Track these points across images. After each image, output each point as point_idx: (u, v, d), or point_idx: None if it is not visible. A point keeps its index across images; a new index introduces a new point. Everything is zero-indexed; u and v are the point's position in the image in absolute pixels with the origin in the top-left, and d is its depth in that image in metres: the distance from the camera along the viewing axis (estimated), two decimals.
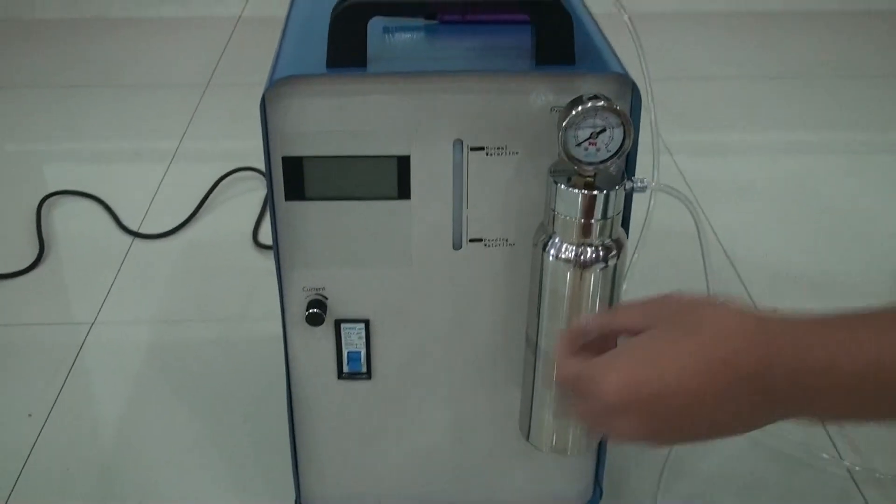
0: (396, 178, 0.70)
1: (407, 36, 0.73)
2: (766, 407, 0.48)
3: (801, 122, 1.69)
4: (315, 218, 0.71)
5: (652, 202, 0.73)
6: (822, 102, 1.78)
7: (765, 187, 1.50)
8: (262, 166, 1.49)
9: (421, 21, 0.75)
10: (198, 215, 1.41)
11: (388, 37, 0.72)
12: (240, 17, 2.24)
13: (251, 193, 1.47)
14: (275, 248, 0.73)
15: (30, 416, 1.03)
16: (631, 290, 0.72)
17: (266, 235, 1.35)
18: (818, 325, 0.48)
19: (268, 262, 1.30)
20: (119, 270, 1.29)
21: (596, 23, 0.77)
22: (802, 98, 1.78)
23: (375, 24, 0.66)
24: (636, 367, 0.49)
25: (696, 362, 0.47)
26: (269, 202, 0.71)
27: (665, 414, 0.48)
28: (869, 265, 1.30)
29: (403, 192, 0.71)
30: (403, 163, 0.69)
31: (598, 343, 0.59)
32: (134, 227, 1.37)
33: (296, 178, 0.70)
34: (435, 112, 0.68)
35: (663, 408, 0.48)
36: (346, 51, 0.65)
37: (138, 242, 1.35)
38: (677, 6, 2.37)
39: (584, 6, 0.80)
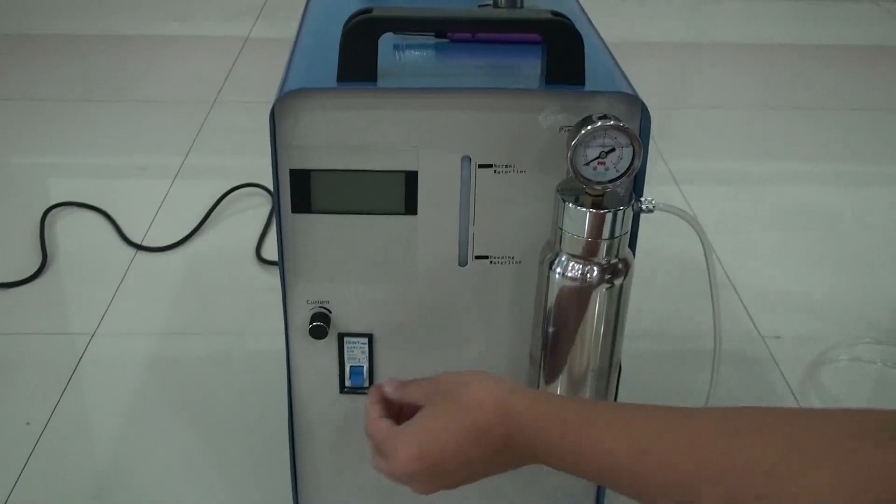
0: (404, 193, 0.70)
1: (417, 53, 0.73)
2: (516, 461, 0.61)
3: (808, 154, 1.70)
4: (321, 231, 0.71)
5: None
6: (829, 134, 1.79)
7: (770, 216, 1.51)
8: (267, 183, 1.50)
9: (431, 39, 0.75)
10: (201, 230, 1.41)
11: (398, 54, 0.73)
12: (248, 37, 2.25)
13: (255, 209, 1.47)
14: (280, 260, 0.73)
15: (28, 424, 1.03)
16: (631, 312, 0.72)
17: (269, 251, 1.35)
18: (561, 407, 0.60)
19: (270, 277, 1.30)
20: (121, 282, 1.28)
21: (605, 44, 0.77)
22: (809, 129, 1.79)
23: (386, 42, 0.67)
24: (420, 443, 0.62)
25: (463, 435, 0.60)
26: (275, 214, 0.71)
27: (443, 474, 0.62)
28: (871, 295, 1.30)
29: (410, 207, 0.71)
30: (411, 178, 0.70)
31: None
32: (137, 240, 1.37)
33: (303, 191, 0.70)
34: (444, 128, 0.68)
35: (442, 470, 0.62)
36: (357, 65, 0.66)
37: (141, 255, 1.35)
38: (686, 35, 2.39)
39: (593, 27, 0.80)
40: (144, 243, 1.37)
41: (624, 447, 0.55)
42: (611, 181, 0.65)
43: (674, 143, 1.69)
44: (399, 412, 0.67)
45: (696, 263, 1.28)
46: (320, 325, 0.74)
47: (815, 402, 1.08)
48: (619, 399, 0.77)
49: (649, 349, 1.15)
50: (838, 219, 1.50)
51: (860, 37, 2.43)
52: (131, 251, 1.35)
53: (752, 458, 0.50)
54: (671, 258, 1.30)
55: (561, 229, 0.67)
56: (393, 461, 0.63)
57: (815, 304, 1.28)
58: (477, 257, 0.73)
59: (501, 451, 0.61)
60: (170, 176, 1.57)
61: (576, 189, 0.67)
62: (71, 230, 1.41)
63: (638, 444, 0.55)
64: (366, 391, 0.78)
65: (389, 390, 0.68)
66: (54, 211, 1.44)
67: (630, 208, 0.66)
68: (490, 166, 0.69)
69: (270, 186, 1.50)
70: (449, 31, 0.73)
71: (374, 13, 0.64)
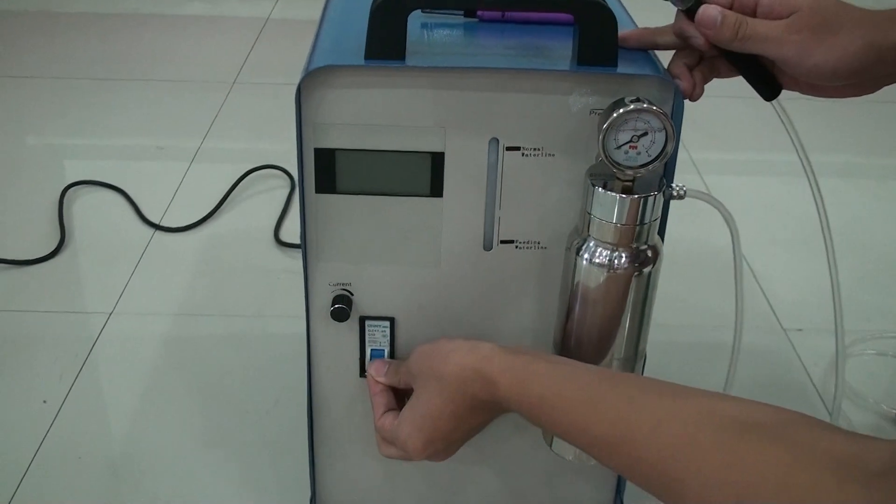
0: (430, 174, 0.69)
1: (446, 32, 0.72)
2: (504, 412, 0.65)
3: (832, 145, 1.68)
4: (345, 212, 0.70)
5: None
6: (854, 125, 1.76)
7: (793, 208, 1.49)
8: (286, 165, 1.50)
9: (460, 18, 0.74)
10: (220, 211, 1.40)
11: (426, 32, 0.71)
12: (268, 17, 2.24)
13: (274, 191, 1.46)
14: (302, 240, 0.72)
15: (45, 402, 1.02)
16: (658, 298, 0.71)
17: (287, 234, 1.34)
18: (529, 363, 0.62)
19: (288, 260, 1.30)
20: (139, 262, 1.28)
21: (636, 26, 0.75)
22: (836, 120, 1.76)
23: (414, 20, 0.65)
24: (426, 431, 0.67)
25: (459, 409, 0.65)
26: (298, 194, 0.70)
27: (454, 441, 0.68)
28: (890, 288, 1.29)
29: (436, 189, 0.69)
30: (437, 160, 0.68)
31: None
32: (155, 220, 1.37)
33: (327, 171, 0.69)
34: (472, 109, 0.67)
35: (451, 440, 0.68)
36: (386, 43, 0.64)
37: (159, 235, 1.34)
38: None
39: (623, 7, 0.79)
40: (163, 223, 1.36)
41: (578, 398, 0.58)
42: (642, 166, 0.64)
43: (697, 132, 1.67)
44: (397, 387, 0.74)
45: (716, 251, 1.27)
46: (342, 307, 0.73)
47: (838, 397, 1.07)
48: None
49: (668, 339, 1.14)
50: (863, 210, 1.48)
51: None
52: (149, 231, 1.35)
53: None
54: (692, 245, 1.28)
55: (590, 214, 0.66)
56: (408, 451, 0.68)
57: (839, 297, 1.26)
58: (502, 242, 0.72)
59: (492, 409, 0.65)
60: (188, 157, 1.56)
61: (606, 174, 0.65)
62: (89, 209, 1.41)
63: (586, 395, 0.58)
64: None
65: (385, 380, 0.74)
66: (73, 189, 1.43)
67: (661, 194, 0.65)
68: (518, 149, 0.68)
69: (289, 169, 1.51)
70: (480, 10, 0.72)
71: None
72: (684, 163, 1.56)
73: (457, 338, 0.67)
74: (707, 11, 0.63)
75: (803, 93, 0.69)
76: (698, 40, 0.65)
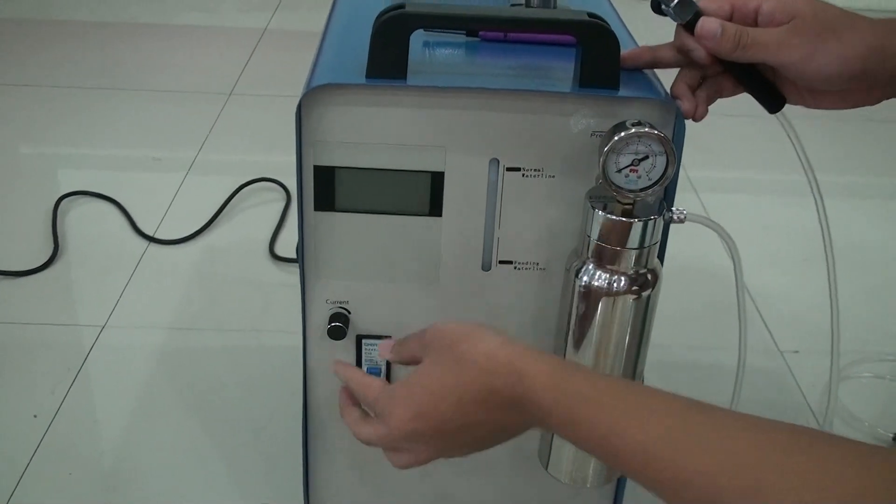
0: (429, 194, 0.69)
1: (448, 51, 0.71)
2: (519, 427, 0.57)
3: (830, 165, 1.68)
4: (344, 230, 0.70)
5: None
6: (851, 145, 1.77)
7: (790, 228, 1.49)
8: (281, 178, 1.49)
9: (462, 37, 0.74)
10: (215, 224, 1.40)
11: (428, 51, 0.71)
12: (266, 28, 2.24)
13: (270, 205, 1.45)
14: (300, 258, 0.71)
15: (35, 417, 1.01)
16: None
17: (282, 247, 1.34)
18: (580, 379, 0.54)
19: (283, 274, 1.29)
20: (132, 274, 1.27)
21: (638, 46, 0.75)
22: (833, 141, 1.77)
23: (416, 39, 0.65)
24: (419, 400, 0.57)
25: (467, 394, 0.56)
26: (298, 211, 0.69)
27: (444, 435, 0.57)
28: (893, 311, 1.29)
29: (435, 208, 0.69)
30: (437, 179, 0.68)
31: None
32: (150, 232, 1.36)
33: (327, 189, 0.68)
34: (473, 129, 0.66)
35: (442, 431, 0.57)
36: (387, 61, 0.64)
37: (153, 247, 1.34)
38: None
39: (626, 29, 0.79)
40: (157, 236, 1.36)
41: (652, 437, 0.49)
42: (643, 190, 0.63)
43: (693, 150, 1.67)
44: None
45: (713, 269, 1.27)
46: (339, 325, 0.72)
47: (834, 419, 1.06)
48: None
49: (665, 358, 1.14)
50: (861, 232, 1.48)
51: None
52: (144, 243, 1.34)
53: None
54: (688, 263, 1.28)
55: (589, 237, 0.65)
56: (388, 421, 0.59)
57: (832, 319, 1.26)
58: (501, 262, 0.71)
59: (507, 414, 0.56)
60: (184, 168, 1.55)
61: (606, 196, 0.65)
62: (84, 220, 1.40)
63: (667, 435, 0.49)
64: None
65: (386, 354, 0.65)
66: (67, 200, 1.42)
67: (661, 218, 0.65)
68: (518, 170, 0.68)
69: (285, 182, 1.51)
70: (483, 30, 0.72)
71: (407, 9, 0.63)
72: (681, 181, 1.56)
73: (488, 327, 0.59)
74: (707, 23, 0.63)
75: (806, 105, 0.68)
76: (699, 53, 0.64)
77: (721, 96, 0.69)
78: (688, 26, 0.64)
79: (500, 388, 0.55)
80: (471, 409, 0.56)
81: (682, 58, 0.66)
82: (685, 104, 0.65)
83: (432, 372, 0.58)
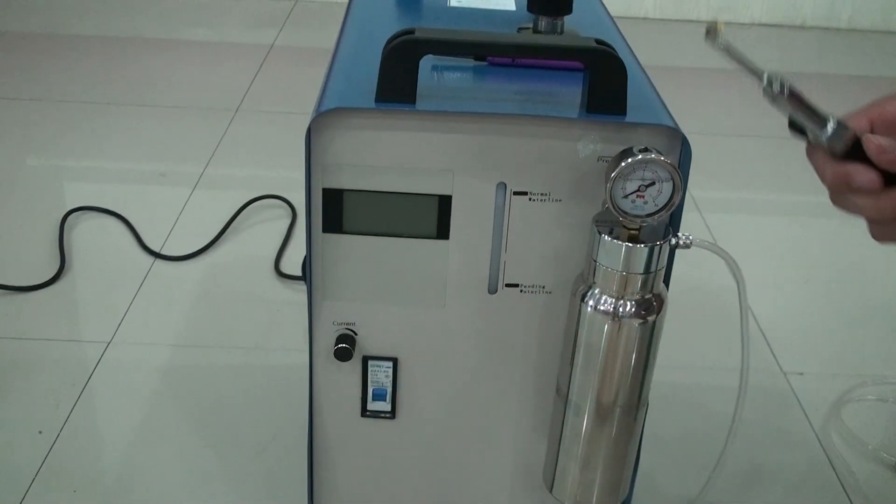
0: (437, 217, 0.69)
1: (456, 75, 0.72)
2: None
3: None
4: (351, 252, 0.70)
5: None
6: None
7: (794, 249, 1.49)
8: (288, 195, 1.50)
9: (470, 61, 0.74)
10: (221, 240, 1.40)
11: (436, 75, 0.72)
12: (273, 44, 2.25)
13: (276, 222, 1.46)
14: (308, 279, 0.72)
15: (40, 433, 1.01)
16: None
17: (288, 265, 1.34)
18: None
19: (289, 291, 1.29)
20: (138, 290, 1.28)
21: (646, 73, 0.76)
22: None
23: (424, 63, 0.66)
24: None
25: None
26: (306, 233, 0.70)
27: None
28: (892, 333, 1.29)
29: (443, 231, 0.70)
30: (445, 202, 0.69)
31: None
32: (156, 248, 1.37)
33: (335, 211, 0.69)
34: (480, 153, 0.67)
35: None
36: (397, 86, 0.65)
37: (159, 263, 1.34)
38: (712, 62, 2.38)
39: (633, 54, 0.79)
40: (163, 252, 1.36)
41: None
42: (649, 215, 0.64)
43: (697, 170, 1.67)
44: None
45: (716, 290, 1.27)
46: (346, 346, 0.72)
47: (837, 442, 1.06)
48: (644, 436, 0.75)
49: (668, 379, 1.14)
50: (865, 254, 1.48)
51: (888, 69, 2.42)
52: (150, 259, 1.35)
53: None
54: (692, 283, 1.28)
55: (595, 261, 0.66)
56: None
57: (839, 341, 1.26)
58: (507, 285, 0.72)
59: None
60: (190, 184, 1.56)
61: (612, 221, 0.65)
62: (90, 235, 1.40)
63: None
64: (388, 416, 0.77)
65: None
66: (74, 215, 1.43)
67: (667, 243, 0.65)
68: (525, 194, 0.68)
69: (292, 199, 1.51)
70: (492, 56, 0.72)
71: (417, 35, 0.63)
72: (686, 201, 1.57)
73: None
74: (875, 140, 0.57)
75: None
76: (863, 177, 0.58)
77: None
78: (845, 153, 0.59)
79: None
80: None
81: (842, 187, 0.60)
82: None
83: None
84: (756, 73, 0.57)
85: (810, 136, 0.59)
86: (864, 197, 0.58)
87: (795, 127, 0.60)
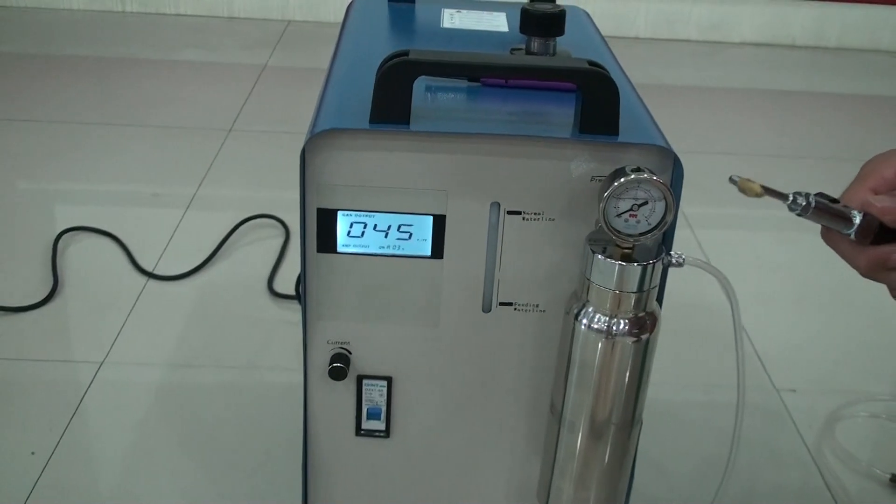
0: (431, 236, 0.69)
1: (449, 96, 0.73)
2: None
3: None
4: (345, 271, 0.71)
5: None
6: (844, 185, 1.78)
7: (785, 266, 1.50)
8: (281, 214, 1.50)
9: (463, 82, 0.75)
10: (214, 260, 1.40)
11: (429, 95, 0.72)
12: (266, 65, 2.26)
13: (269, 241, 1.46)
14: (302, 299, 0.72)
15: (32, 454, 1.01)
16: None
17: (281, 284, 1.34)
18: None
19: (283, 311, 1.29)
20: (131, 311, 1.28)
21: (637, 93, 0.77)
22: (824, 179, 1.78)
23: (418, 82, 0.66)
24: None
25: None
26: (300, 252, 0.70)
27: None
28: (891, 349, 1.29)
29: (437, 251, 0.70)
30: (439, 222, 0.69)
31: None
32: (149, 268, 1.37)
33: (329, 231, 0.69)
34: (474, 173, 0.67)
35: None
36: (391, 107, 0.65)
37: (152, 283, 1.34)
38: (701, 80, 2.39)
39: (625, 74, 0.80)
40: (156, 272, 1.36)
41: None
42: (642, 234, 0.64)
43: (689, 187, 1.68)
44: None
45: (709, 307, 1.28)
46: (340, 366, 0.73)
47: (830, 459, 1.07)
48: (638, 454, 0.75)
49: (662, 397, 1.14)
50: (853, 270, 1.49)
51: (877, 88, 2.44)
52: (143, 279, 1.35)
53: None
54: (685, 300, 1.29)
55: (588, 280, 0.66)
56: None
57: (832, 357, 1.27)
58: (501, 304, 0.72)
59: None
60: (183, 204, 1.56)
61: (605, 240, 0.66)
62: (83, 255, 1.40)
63: None
64: (383, 435, 0.77)
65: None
66: (67, 235, 1.43)
67: (660, 262, 0.66)
68: (519, 213, 0.69)
69: (285, 218, 1.51)
70: (485, 77, 0.73)
71: (411, 56, 0.64)
72: (678, 219, 1.58)
73: None
74: (881, 201, 0.61)
75: None
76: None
77: None
78: (862, 232, 0.63)
79: None
80: None
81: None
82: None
83: None
84: (782, 196, 0.63)
85: (833, 228, 0.63)
86: None
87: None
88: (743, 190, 0.63)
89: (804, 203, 0.62)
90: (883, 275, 0.63)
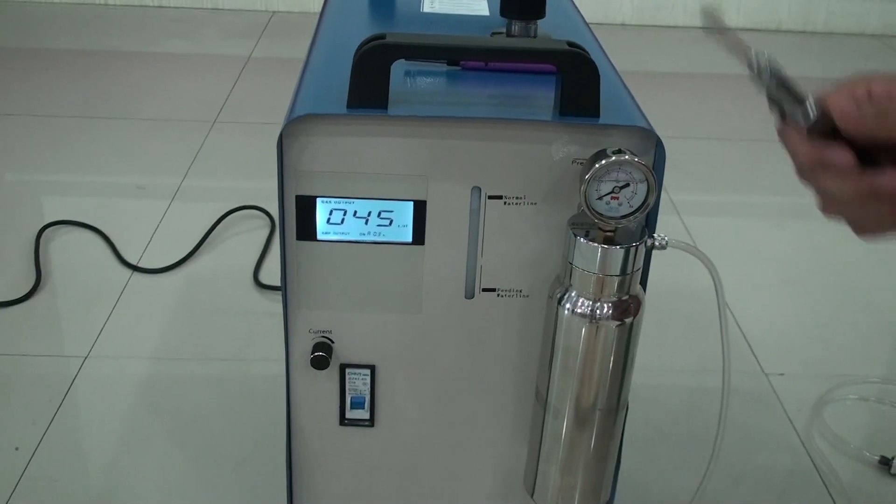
0: (412, 222, 0.69)
1: (429, 80, 0.72)
2: None
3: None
4: (326, 259, 0.70)
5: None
6: None
7: (773, 250, 1.50)
8: (265, 206, 1.49)
9: (443, 66, 0.74)
10: (199, 252, 1.39)
11: (409, 80, 0.71)
12: (250, 56, 2.24)
13: (254, 232, 1.45)
14: (283, 288, 0.71)
15: (17, 449, 1.00)
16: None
17: (267, 275, 1.33)
18: None
19: (268, 302, 1.29)
20: (116, 304, 1.27)
21: (619, 76, 0.76)
22: None
23: (397, 68, 0.65)
24: None
25: None
26: (280, 240, 0.69)
27: None
28: (878, 332, 1.29)
29: (418, 237, 0.69)
30: (419, 207, 0.68)
31: None
32: (133, 261, 1.36)
33: (308, 218, 0.68)
34: (454, 158, 0.66)
35: None
36: (368, 92, 0.64)
37: (137, 276, 1.33)
38: (689, 66, 2.39)
39: (607, 57, 0.79)
40: (141, 264, 1.35)
41: None
42: (624, 217, 0.64)
43: (676, 173, 1.68)
44: None
45: (696, 292, 1.27)
46: (322, 355, 0.72)
47: (819, 442, 1.07)
48: (625, 439, 0.75)
49: (650, 382, 1.14)
50: (843, 254, 1.48)
51: (864, 71, 2.43)
52: (127, 272, 1.34)
53: None
54: (671, 286, 1.28)
55: (571, 264, 0.65)
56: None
57: (820, 341, 1.27)
58: (484, 290, 0.71)
59: None
60: (168, 196, 1.55)
61: (587, 223, 0.65)
62: (67, 249, 1.39)
63: None
64: (367, 424, 0.76)
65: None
66: (50, 229, 1.42)
67: (643, 244, 0.65)
68: (500, 197, 0.68)
69: (270, 209, 1.50)
70: (463, 60, 0.72)
71: (388, 40, 0.63)
72: (664, 204, 1.57)
73: None
74: (839, 98, 0.57)
75: None
76: (840, 158, 0.58)
77: None
78: (815, 127, 0.59)
79: None
80: None
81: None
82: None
83: None
84: (742, 49, 0.59)
85: (788, 113, 0.59)
86: (836, 177, 0.58)
87: (774, 102, 0.60)
88: (707, 21, 0.59)
89: (765, 64, 0.59)
90: (815, 177, 0.60)
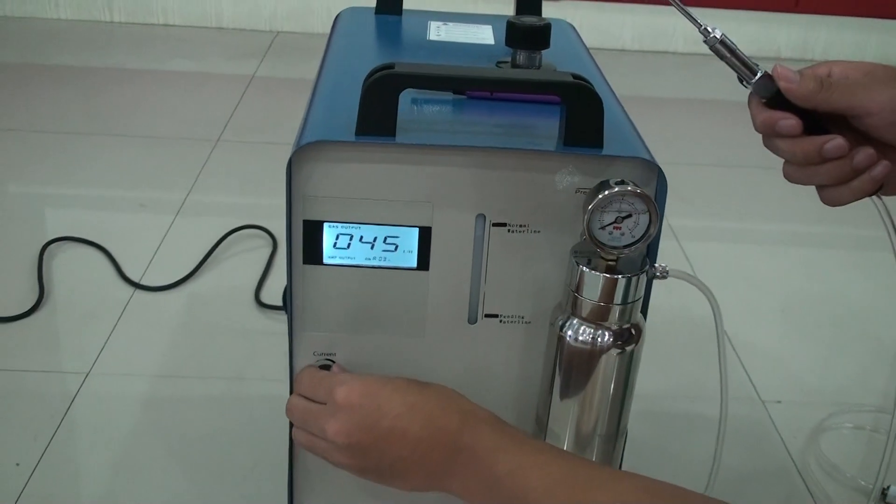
0: (416, 248, 0.70)
1: (435, 108, 0.73)
2: (439, 474, 0.63)
3: (809, 216, 1.70)
4: (331, 283, 0.71)
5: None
6: None
7: (770, 278, 1.51)
8: (269, 225, 1.50)
9: (449, 95, 0.75)
10: (201, 270, 1.40)
11: (415, 108, 0.73)
12: (254, 75, 2.26)
13: (256, 252, 1.46)
14: (288, 310, 0.72)
15: (17, 465, 1.01)
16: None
17: (268, 295, 1.34)
18: (512, 441, 0.63)
19: (269, 321, 1.29)
20: (118, 321, 1.27)
21: (622, 106, 0.77)
22: (811, 191, 1.79)
23: (404, 95, 0.67)
24: (365, 387, 0.66)
25: (413, 404, 0.64)
26: (286, 264, 0.70)
27: (374, 441, 0.64)
28: (876, 361, 1.30)
29: (422, 262, 0.70)
30: (424, 234, 0.69)
31: None
32: (136, 278, 1.36)
33: (315, 242, 0.69)
34: (459, 186, 0.68)
35: (375, 434, 0.64)
36: (377, 120, 0.65)
37: (139, 294, 1.34)
38: (687, 92, 2.41)
39: (610, 87, 0.81)
40: (143, 282, 1.36)
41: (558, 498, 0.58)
42: (626, 247, 0.65)
43: (674, 198, 1.69)
44: None
45: (694, 320, 1.28)
46: None
47: (815, 470, 1.07)
48: (624, 465, 0.76)
49: (647, 408, 1.14)
50: (842, 282, 1.50)
51: None
52: (129, 290, 1.34)
53: None
54: (669, 313, 1.29)
55: (573, 292, 0.66)
56: (336, 400, 0.66)
57: (817, 369, 1.28)
58: (487, 315, 0.72)
59: (441, 449, 0.63)
60: (171, 214, 1.56)
61: (590, 252, 0.66)
62: (69, 265, 1.40)
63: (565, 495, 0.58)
64: None
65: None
66: (53, 245, 1.43)
67: (644, 274, 0.66)
68: (504, 225, 0.69)
69: (272, 229, 1.51)
70: (471, 90, 0.73)
71: (397, 69, 0.64)
72: (663, 229, 1.58)
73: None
74: (783, 68, 0.65)
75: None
76: (785, 123, 0.66)
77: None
78: (774, 102, 0.67)
79: (447, 424, 0.63)
80: (410, 419, 0.63)
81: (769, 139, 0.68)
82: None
83: (390, 381, 0.67)
84: (698, 25, 0.67)
85: (745, 84, 0.67)
86: (785, 141, 0.66)
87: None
88: None
89: (717, 37, 0.67)
90: (772, 143, 0.68)
